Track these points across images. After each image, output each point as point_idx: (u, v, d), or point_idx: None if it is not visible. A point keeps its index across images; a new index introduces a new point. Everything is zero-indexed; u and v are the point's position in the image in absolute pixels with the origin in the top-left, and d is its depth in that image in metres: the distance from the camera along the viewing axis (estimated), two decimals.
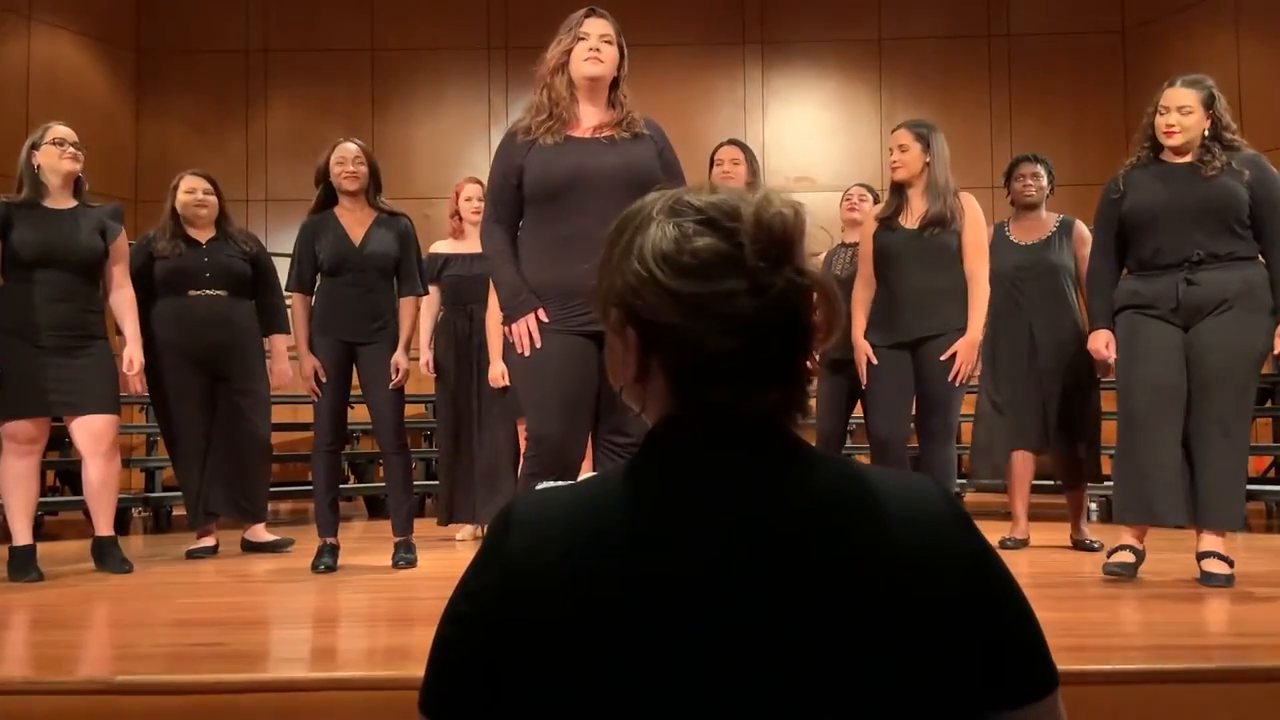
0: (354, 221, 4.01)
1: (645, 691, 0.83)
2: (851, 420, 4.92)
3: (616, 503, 0.90)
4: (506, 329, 2.81)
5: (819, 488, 0.90)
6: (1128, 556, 3.31)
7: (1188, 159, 3.36)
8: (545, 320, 2.76)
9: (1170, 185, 3.33)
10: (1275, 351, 3.27)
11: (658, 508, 0.89)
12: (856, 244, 4.64)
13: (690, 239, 0.88)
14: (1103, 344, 3.49)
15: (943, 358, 3.70)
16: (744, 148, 4.37)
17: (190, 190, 4.53)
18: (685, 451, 0.91)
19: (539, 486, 1.03)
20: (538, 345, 2.75)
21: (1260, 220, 3.28)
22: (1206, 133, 3.34)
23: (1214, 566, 3.20)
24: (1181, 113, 3.33)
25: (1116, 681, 2.00)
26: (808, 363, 0.92)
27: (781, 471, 0.90)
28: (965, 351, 3.71)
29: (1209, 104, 3.34)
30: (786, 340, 0.90)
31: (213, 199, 4.56)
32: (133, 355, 4.06)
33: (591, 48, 2.83)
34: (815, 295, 0.90)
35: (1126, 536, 3.35)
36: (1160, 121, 3.36)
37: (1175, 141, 3.34)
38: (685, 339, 0.89)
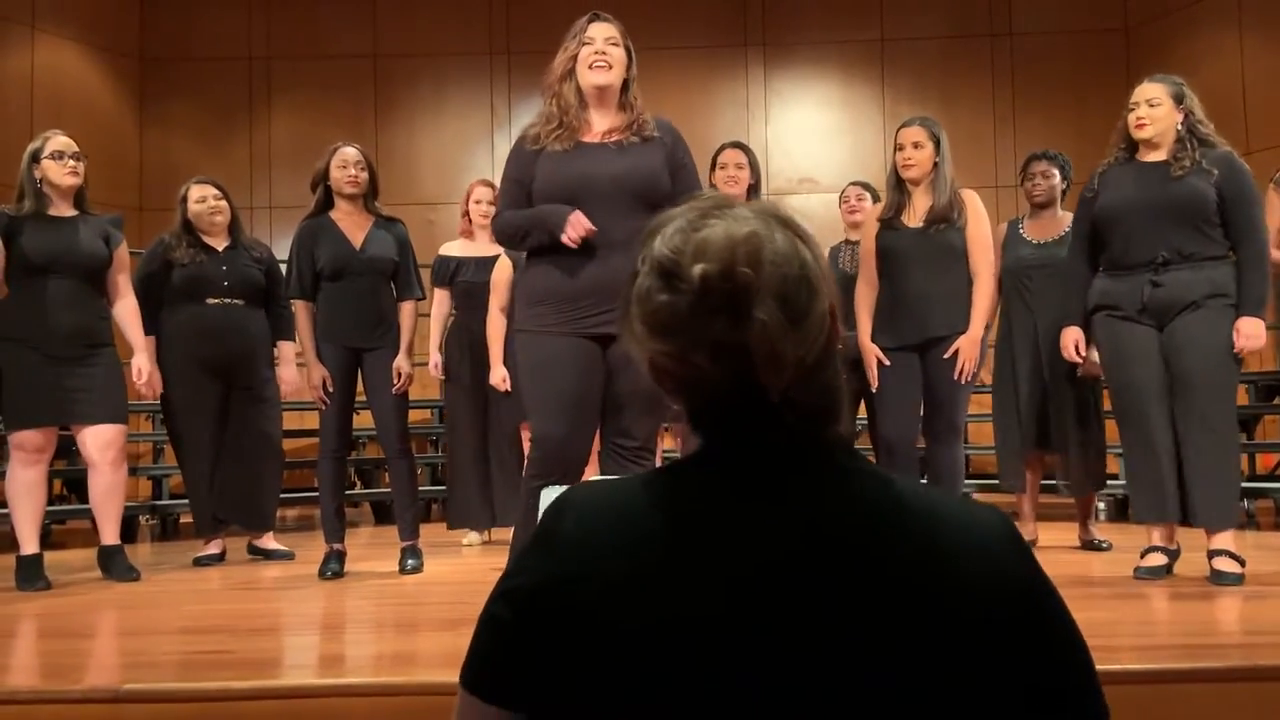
0: (353, 225, 4.01)
1: (681, 700, 0.83)
2: (857, 422, 4.92)
3: (672, 510, 0.90)
4: (566, 236, 2.73)
5: (872, 503, 0.89)
6: (1159, 559, 3.34)
7: (1162, 157, 3.39)
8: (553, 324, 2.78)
9: (1140, 184, 3.36)
10: (1236, 348, 3.27)
11: (710, 521, 0.89)
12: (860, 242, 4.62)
13: (651, 297, 0.90)
14: (1071, 343, 3.54)
15: (945, 355, 3.70)
16: (748, 151, 4.35)
17: (201, 199, 4.54)
18: (729, 470, 0.91)
19: (541, 499, 1.04)
20: (592, 228, 2.72)
21: (1229, 218, 3.31)
22: (1180, 127, 3.37)
23: (1225, 565, 3.20)
24: (1150, 105, 3.39)
25: (1124, 681, 1.99)
26: (804, 382, 0.89)
27: (824, 490, 0.89)
28: (967, 348, 3.70)
29: (1179, 99, 3.38)
30: (748, 388, 0.88)
31: (224, 204, 4.58)
32: (141, 365, 4.07)
33: (597, 51, 2.84)
34: (754, 345, 0.87)
35: (1156, 537, 3.37)
36: (1131, 116, 3.42)
37: (1146, 133, 3.38)
38: (678, 386, 0.92)
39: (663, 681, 0.83)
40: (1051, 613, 0.89)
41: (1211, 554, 3.25)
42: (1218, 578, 3.18)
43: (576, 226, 2.72)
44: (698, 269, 0.87)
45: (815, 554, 0.86)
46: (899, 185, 3.88)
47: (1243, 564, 3.21)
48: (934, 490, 0.95)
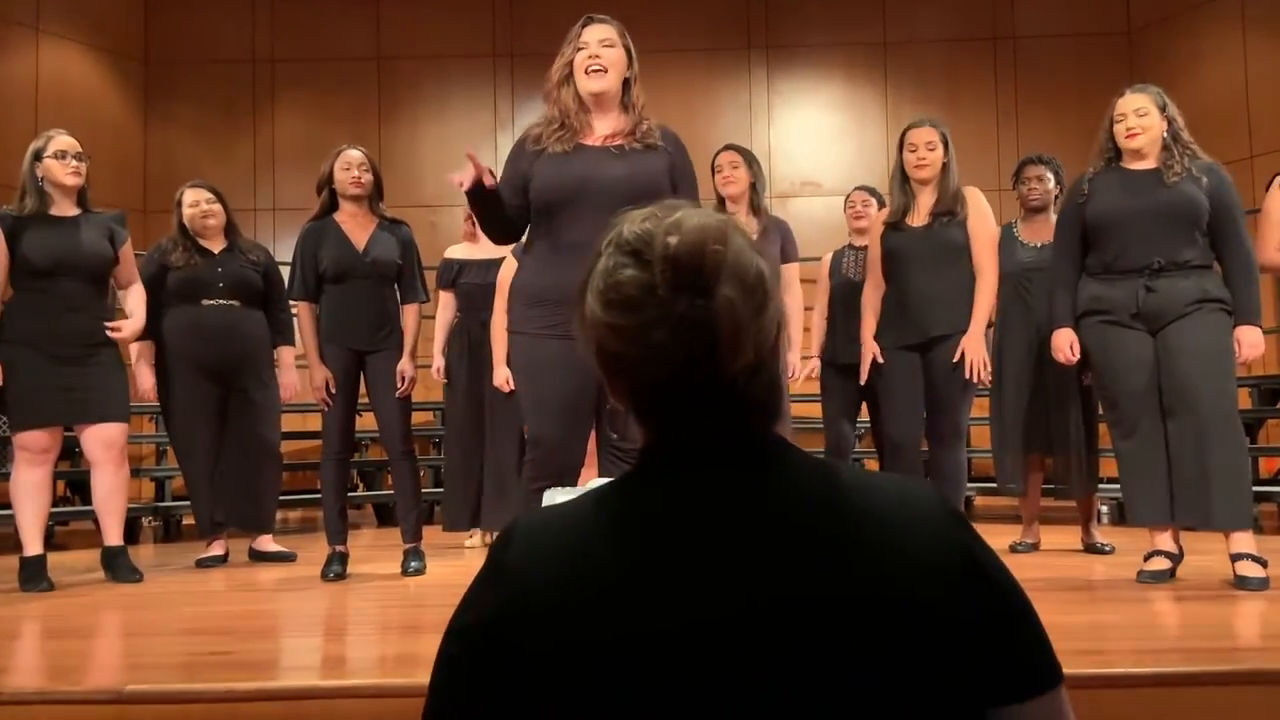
0: (356, 228, 4.01)
1: (644, 710, 0.83)
2: (859, 424, 4.91)
3: (613, 528, 0.91)
4: (456, 178, 2.74)
5: (807, 497, 0.90)
6: (1162, 563, 3.34)
7: (1151, 164, 3.40)
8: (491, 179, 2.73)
9: (1134, 190, 3.37)
10: (1240, 359, 3.29)
11: (651, 535, 0.89)
12: (866, 247, 4.61)
13: (615, 272, 0.91)
14: (1066, 344, 3.53)
15: (954, 359, 3.70)
16: (743, 151, 4.37)
17: (194, 204, 4.55)
18: (675, 477, 0.92)
19: (544, 501, 1.04)
20: (482, 166, 2.71)
21: (1217, 227, 3.34)
22: (1165, 135, 3.40)
23: (1248, 569, 3.16)
24: (1138, 115, 3.40)
25: (1127, 685, 1.99)
26: (750, 375, 0.90)
27: (769, 485, 0.90)
28: (972, 348, 3.70)
29: (1162, 108, 3.41)
30: (706, 368, 0.89)
31: (218, 208, 4.59)
32: (135, 326, 4.03)
33: (591, 55, 2.84)
34: (720, 321, 0.88)
35: (1160, 541, 3.36)
36: (1120, 128, 3.43)
37: (1138, 143, 3.39)
38: (628, 367, 0.92)
39: (621, 702, 0.83)
40: (996, 578, 0.91)
41: (1235, 557, 3.21)
42: (1242, 583, 3.13)
43: (466, 171, 2.71)
44: (672, 240, 0.89)
45: (768, 554, 0.86)
46: (904, 187, 3.89)
47: (1265, 566, 3.17)
48: (866, 472, 0.96)
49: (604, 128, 2.88)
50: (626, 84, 2.90)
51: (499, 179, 2.96)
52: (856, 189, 4.93)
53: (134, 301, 4.10)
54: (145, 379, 4.53)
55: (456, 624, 0.92)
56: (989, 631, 0.87)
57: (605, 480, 0.98)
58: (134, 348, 4.51)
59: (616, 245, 0.92)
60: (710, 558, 0.87)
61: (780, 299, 0.94)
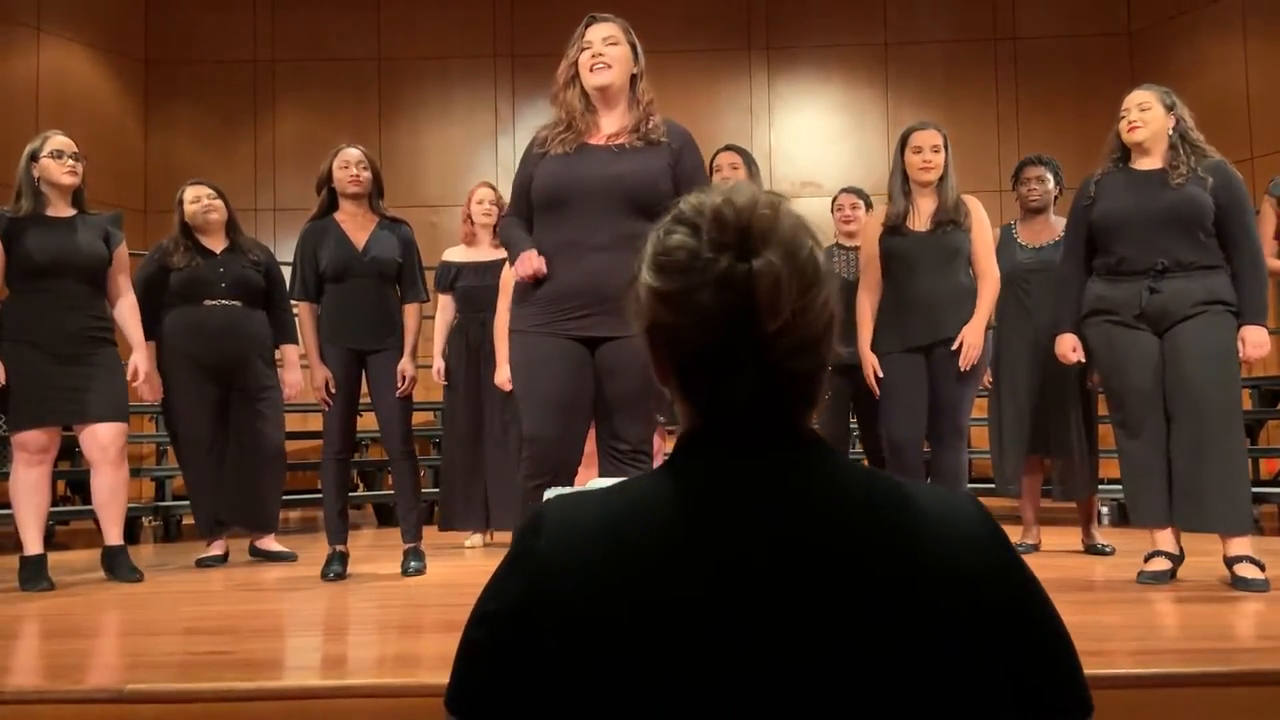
0: (356, 227, 4.01)
1: (671, 695, 0.83)
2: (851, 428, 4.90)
3: (644, 510, 0.90)
4: (515, 270, 2.86)
5: (849, 492, 0.89)
6: (1162, 564, 3.34)
7: (1157, 165, 3.39)
8: (543, 270, 2.81)
9: (1138, 193, 3.37)
10: (1244, 358, 3.28)
11: (683, 516, 0.89)
12: (856, 247, 4.60)
13: (666, 238, 0.92)
14: (1069, 348, 3.54)
15: (953, 347, 3.70)
16: (743, 152, 4.36)
17: (195, 199, 4.55)
18: (709, 459, 0.91)
19: (550, 493, 1.03)
20: (541, 268, 2.79)
21: (1224, 226, 3.32)
22: (1172, 134, 3.39)
23: (1247, 571, 3.16)
24: (1141, 109, 3.41)
25: (1126, 685, 1.99)
26: (794, 352, 0.90)
27: (809, 475, 0.90)
28: (971, 338, 3.70)
29: (1169, 106, 3.41)
30: (747, 330, 0.88)
31: (219, 203, 4.58)
32: (139, 363, 4.07)
33: (595, 53, 2.84)
34: (759, 283, 0.87)
35: (1160, 542, 3.36)
36: (1123, 123, 3.44)
37: (1139, 136, 3.39)
38: (674, 336, 0.91)
39: (646, 693, 0.83)
40: (1032, 599, 0.90)
41: (1230, 561, 3.21)
42: (1241, 584, 3.13)
43: (524, 264, 2.81)
44: (719, 198, 0.90)
45: (798, 551, 0.86)
46: (904, 188, 3.87)
47: (1263, 568, 3.17)
48: (909, 480, 0.95)
49: (610, 125, 2.87)
50: (633, 80, 2.89)
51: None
52: (843, 191, 4.90)
53: (131, 327, 4.05)
54: (153, 379, 4.47)
55: (483, 610, 0.92)
56: (1021, 656, 0.87)
57: (609, 480, 0.97)
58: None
59: (672, 218, 0.93)
60: (744, 543, 0.86)
61: (835, 293, 0.93)
